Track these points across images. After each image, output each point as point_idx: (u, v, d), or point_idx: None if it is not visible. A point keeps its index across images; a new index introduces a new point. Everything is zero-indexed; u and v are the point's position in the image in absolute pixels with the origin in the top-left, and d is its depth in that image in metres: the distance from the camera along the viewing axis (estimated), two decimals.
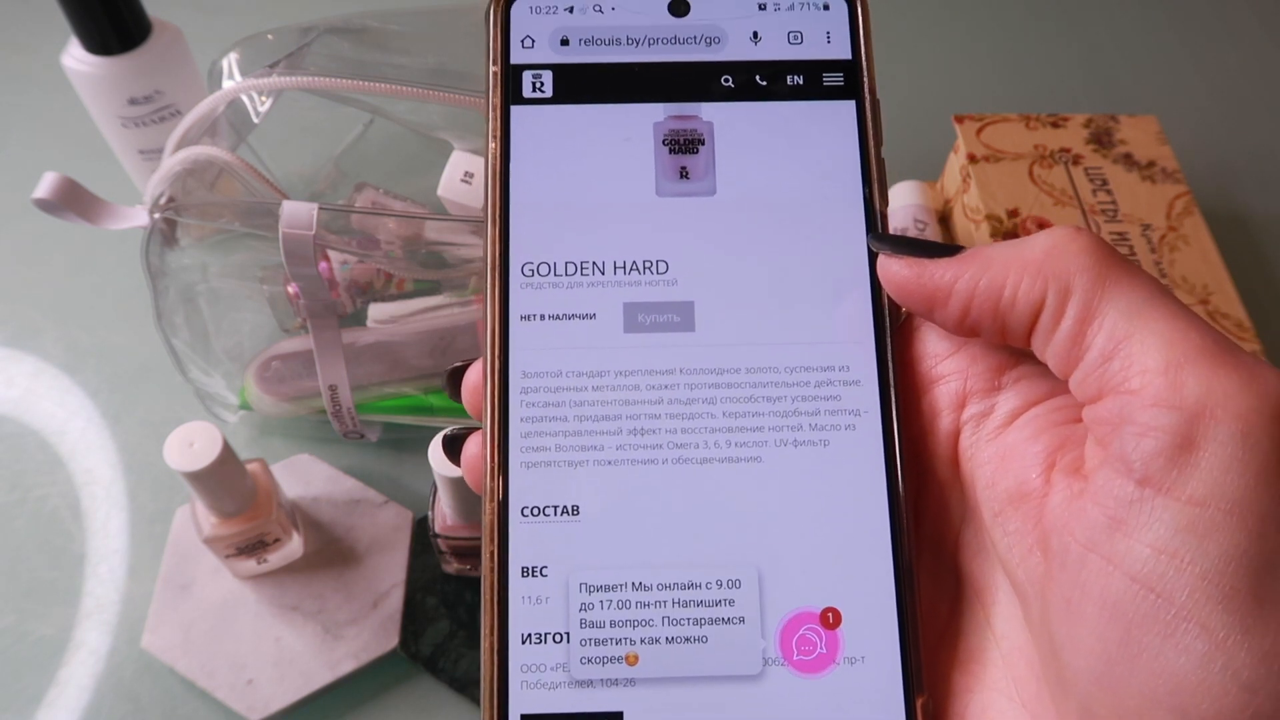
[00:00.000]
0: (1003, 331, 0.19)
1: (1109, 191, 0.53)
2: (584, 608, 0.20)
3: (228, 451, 0.39)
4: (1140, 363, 0.17)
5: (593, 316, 0.22)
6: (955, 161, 0.56)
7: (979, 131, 0.55)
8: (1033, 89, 0.70)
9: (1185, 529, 0.16)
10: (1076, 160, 0.55)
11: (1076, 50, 0.72)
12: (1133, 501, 0.17)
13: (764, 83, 0.23)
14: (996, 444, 0.20)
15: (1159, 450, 0.17)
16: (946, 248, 0.20)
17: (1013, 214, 0.52)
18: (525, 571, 0.20)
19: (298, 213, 0.40)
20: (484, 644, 0.20)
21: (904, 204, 0.57)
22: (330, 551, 0.46)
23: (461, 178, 0.49)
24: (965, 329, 0.20)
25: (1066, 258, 0.18)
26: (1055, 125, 0.56)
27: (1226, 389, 0.16)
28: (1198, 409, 0.16)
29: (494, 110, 0.22)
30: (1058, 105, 0.65)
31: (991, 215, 0.52)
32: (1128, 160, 0.55)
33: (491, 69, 0.23)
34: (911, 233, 0.55)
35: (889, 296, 0.22)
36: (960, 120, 0.56)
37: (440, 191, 0.49)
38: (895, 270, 0.21)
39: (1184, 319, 0.17)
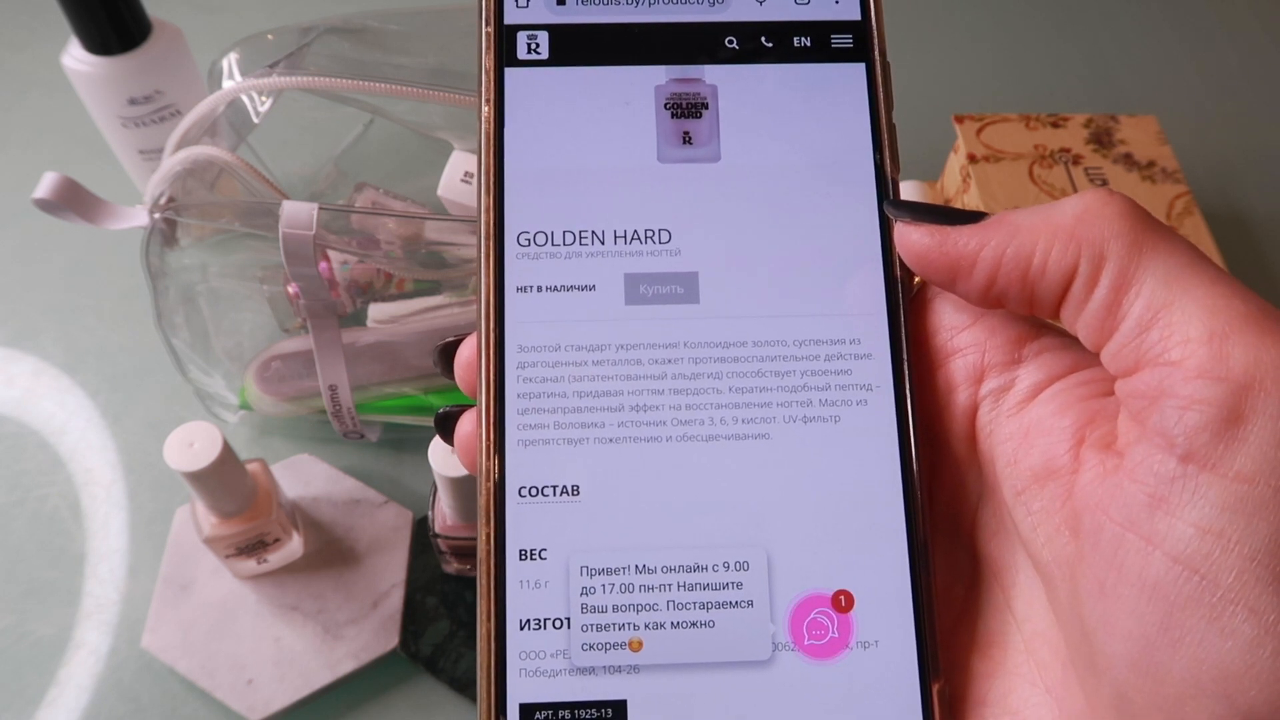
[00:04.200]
0: (1030, 302, 0.18)
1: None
2: (585, 592, 0.19)
3: (228, 451, 0.39)
4: (1181, 332, 0.16)
5: (592, 288, 0.21)
6: (955, 161, 0.56)
7: (979, 131, 0.55)
8: (1033, 89, 0.70)
9: (1232, 507, 0.15)
10: (1076, 160, 0.55)
11: (1076, 50, 0.72)
12: (1175, 478, 0.16)
13: (770, 44, 0.22)
14: (1018, 419, 0.19)
15: (1204, 424, 0.16)
16: (969, 214, 0.19)
17: None
18: (523, 554, 0.20)
19: (298, 213, 0.40)
20: (480, 630, 0.19)
21: None
22: (330, 551, 0.46)
23: (461, 178, 0.49)
24: (990, 300, 0.19)
25: (1100, 223, 0.17)
26: (1055, 125, 0.56)
27: (1275, 359, 0.15)
28: (1245, 380, 0.15)
29: (487, 73, 0.21)
30: (1058, 105, 0.65)
31: None
32: (1128, 160, 0.55)
33: (484, 29, 0.22)
34: None
35: (902, 266, 0.21)
36: (960, 120, 0.56)
37: (440, 191, 0.49)
38: (915, 239, 0.19)
39: (1226, 285, 0.16)
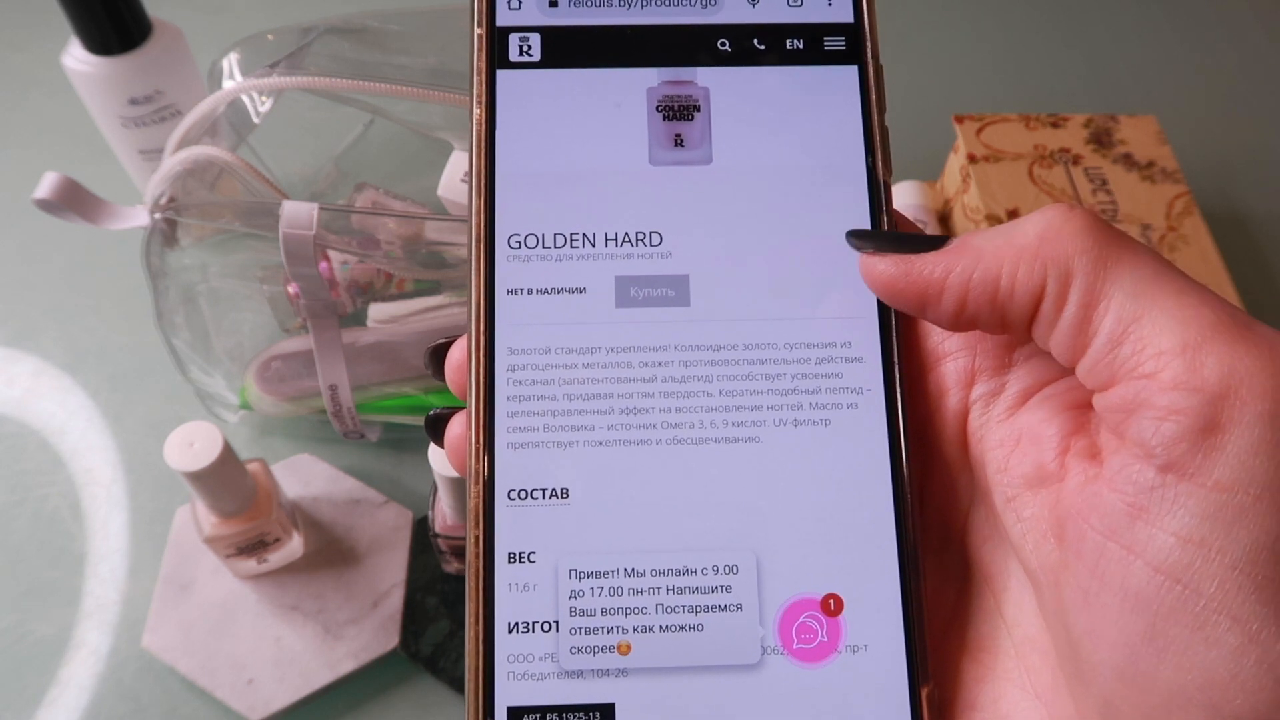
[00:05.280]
0: (1002, 324, 0.18)
1: (1109, 191, 0.53)
2: (574, 595, 0.19)
3: (228, 451, 0.39)
4: (1154, 345, 0.16)
5: (583, 290, 0.21)
6: (955, 161, 0.56)
7: (979, 131, 0.55)
8: (1033, 89, 0.70)
9: (1212, 516, 0.15)
10: (1076, 160, 0.55)
11: (1076, 50, 0.72)
12: (1154, 488, 0.16)
13: (762, 47, 0.22)
14: (1008, 425, 0.19)
15: (1181, 434, 0.16)
16: (931, 240, 0.19)
17: (1013, 214, 0.52)
18: (512, 557, 0.20)
19: (298, 213, 0.40)
20: (469, 633, 0.19)
21: (904, 204, 0.57)
22: (330, 551, 0.46)
23: (461, 178, 0.49)
24: (962, 324, 0.19)
25: (1063, 240, 0.17)
26: (1055, 125, 0.56)
27: (1249, 367, 0.15)
28: (1220, 390, 0.15)
29: (478, 75, 0.21)
30: (1058, 105, 0.65)
31: (991, 215, 0.52)
32: (1127, 160, 0.55)
33: (476, 31, 0.22)
34: None
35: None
36: (960, 120, 0.56)
37: (440, 191, 0.49)
38: (880, 270, 0.19)
39: (1194, 295, 0.16)
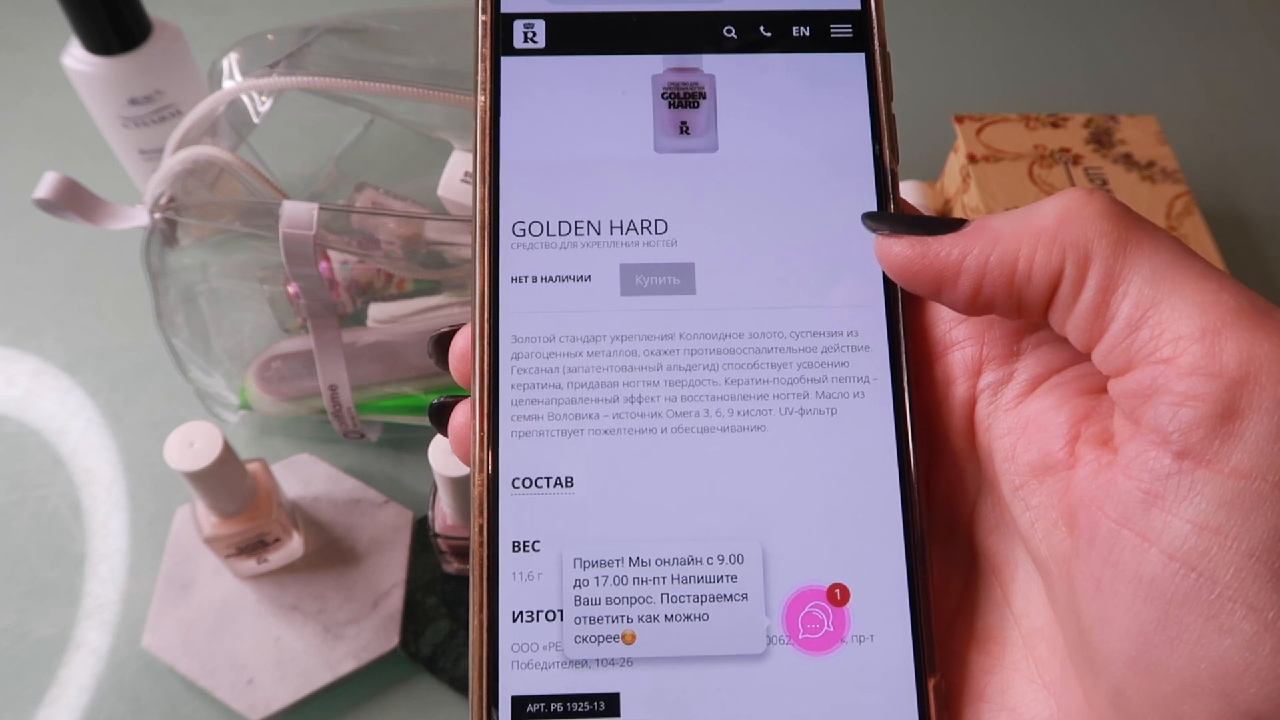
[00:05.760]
0: (1018, 307, 0.18)
1: (1109, 191, 0.53)
2: (578, 584, 0.19)
3: (228, 451, 0.39)
4: (1172, 330, 0.16)
5: (588, 278, 0.21)
6: (955, 161, 0.56)
7: (979, 131, 0.55)
8: (1033, 89, 0.70)
9: (1229, 503, 0.15)
10: (1076, 160, 0.55)
11: (1076, 50, 0.72)
12: (1170, 474, 0.16)
13: (769, 34, 0.22)
14: (1016, 413, 0.19)
15: (1198, 420, 0.15)
16: (948, 222, 0.19)
17: None
18: (516, 546, 0.19)
19: (298, 213, 0.40)
20: (472, 623, 0.19)
21: None
22: (330, 551, 0.46)
23: (462, 178, 0.49)
24: (977, 308, 0.19)
25: (1082, 223, 0.17)
26: (1055, 125, 0.56)
27: (1269, 353, 0.15)
28: (1239, 376, 0.15)
29: (483, 61, 0.21)
30: (1058, 105, 0.65)
31: None
32: (1127, 160, 0.55)
33: (480, 18, 0.22)
34: None
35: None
36: (960, 120, 0.56)
37: (440, 191, 0.49)
38: (896, 251, 0.19)
39: (1214, 280, 0.16)
